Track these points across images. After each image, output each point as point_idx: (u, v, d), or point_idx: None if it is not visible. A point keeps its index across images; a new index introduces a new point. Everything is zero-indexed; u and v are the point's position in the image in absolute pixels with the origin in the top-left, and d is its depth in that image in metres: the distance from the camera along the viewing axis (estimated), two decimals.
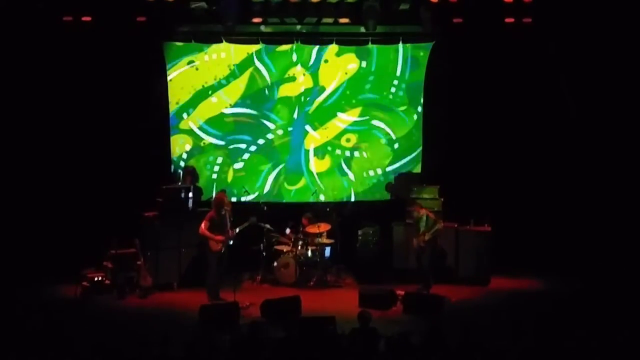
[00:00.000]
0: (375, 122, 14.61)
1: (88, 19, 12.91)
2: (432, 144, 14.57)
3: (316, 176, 14.64)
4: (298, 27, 13.95)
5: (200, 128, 14.38)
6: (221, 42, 14.10)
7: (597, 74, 13.72)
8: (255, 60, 14.33)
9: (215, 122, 14.42)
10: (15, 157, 13.66)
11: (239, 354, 7.90)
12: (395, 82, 14.54)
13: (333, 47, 14.29)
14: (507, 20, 13.28)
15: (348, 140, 14.64)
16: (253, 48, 14.25)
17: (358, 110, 14.58)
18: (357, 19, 13.55)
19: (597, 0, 13.08)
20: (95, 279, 12.48)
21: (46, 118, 13.75)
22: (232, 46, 14.18)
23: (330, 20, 13.83)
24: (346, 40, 14.29)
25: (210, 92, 14.35)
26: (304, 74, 14.41)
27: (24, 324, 10.57)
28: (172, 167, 14.36)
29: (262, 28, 14.02)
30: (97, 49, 13.51)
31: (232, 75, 14.35)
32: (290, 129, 14.55)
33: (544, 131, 14.24)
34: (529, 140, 14.26)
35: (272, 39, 14.26)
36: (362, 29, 13.83)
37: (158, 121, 14.21)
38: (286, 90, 14.46)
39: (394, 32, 14.17)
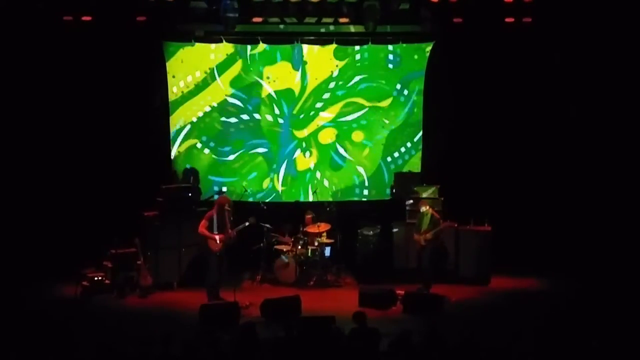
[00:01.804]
0: (356, 121, 14.66)
1: (88, 18, 12.91)
2: (432, 144, 14.56)
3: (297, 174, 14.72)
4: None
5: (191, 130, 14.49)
6: (221, 41, 14.10)
7: (597, 73, 13.72)
8: (235, 61, 14.33)
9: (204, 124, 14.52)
10: (16, 157, 13.67)
11: (239, 353, 7.91)
12: (378, 79, 14.54)
13: (310, 47, 14.27)
14: (507, 19, 13.28)
15: (334, 136, 14.66)
16: (231, 49, 14.23)
17: (339, 107, 14.58)
18: (357, 19, 13.54)
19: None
20: (95, 278, 12.47)
21: (47, 118, 13.76)
22: (210, 46, 14.17)
23: (330, 19, 13.84)
24: (346, 40, 14.29)
25: (188, 97, 14.37)
26: (283, 74, 14.42)
27: (24, 323, 10.59)
28: (172, 166, 14.36)
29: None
30: (97, 49, 13.51)
31: (210, 78, 14.36)
32: (276, 128, 14.57)
33: (543, 131, 14.24)
34: (529, 140, 14.26)
35: (272, 39, 14.25)
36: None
37: (158, 120, 14.20)
38: (268, 90, 14.45)
39: (394, 31, 14.17)
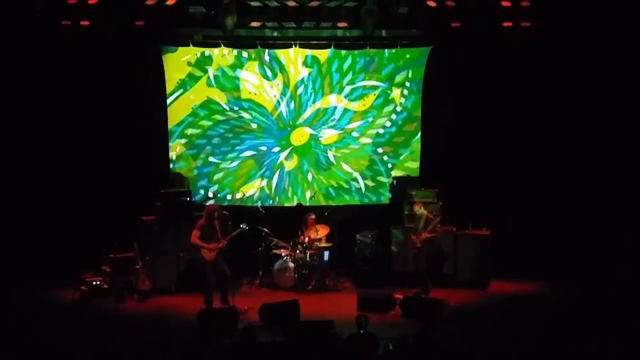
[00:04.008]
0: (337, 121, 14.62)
1: (86, 23, 12.90)
2: (430, 148, 14.56)
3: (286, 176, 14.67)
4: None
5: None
6: (219, 46, 14.11)
7: (596, 76, 13.74)
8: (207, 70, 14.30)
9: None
10: (15, 161, 13.65)
11: (238, 358, 7.90)
12: (358, 81, 14.45)
13: (285, 52, 14.25)
14: (505, 24, 13.29)
15: (316, 137, 14.62)
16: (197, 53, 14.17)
17: (318, 109, 14.52)
18: (356, 23, 13.55)
19: (595, 3, 13.08)
20: (94, 283, 12.48)
21: (45, 122, 13.74)
22: (195, 50, 14.14)
23: (328, 24, 13.85)
24: (344, 44, 14.30)
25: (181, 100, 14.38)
26: (258, 80, 14.38)
27: (22, 328, 10.58)
28: (171, 171, 14.34)
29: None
30: (95, 53, 13.51)
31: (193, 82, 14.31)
32: (260, 132, 14.52)
33: (542, 135, 14.26)
34: (527, 144, 14.27)
35: (271, 43, 14.27)
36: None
37: (156, 125, 14.19)
38: (246, 94, 14.39)
39: (392, 36, 14.18)
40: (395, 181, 14.51)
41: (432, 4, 13.08)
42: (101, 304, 12.16)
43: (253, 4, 13.30)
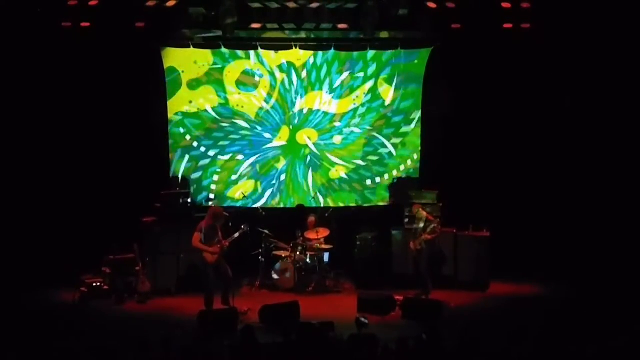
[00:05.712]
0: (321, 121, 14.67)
1: (87, 24, 12.91)
2: (431, 149, 14.56)
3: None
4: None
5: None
6: (220, 47, 14.12)
7: (596, 78, 13.75)
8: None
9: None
10: (15, 163, 13.66)
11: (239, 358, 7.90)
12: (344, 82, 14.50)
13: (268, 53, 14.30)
14: (506, 25, 13.29)
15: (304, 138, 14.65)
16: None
17: (305, 108, 14.56)
18: (356, 25, 13.56)
19: (596, 5, 13.10)
20: (94, 284, 12.47)
21: (45, 124, 13.75)
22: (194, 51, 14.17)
23: (328, 25, 13.86)
24: (344, 45, 14.31)
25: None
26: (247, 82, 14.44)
27: (22, 329, 10.58)
28: (171, 172, 14.34)
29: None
30: (95, 55, 13.51)
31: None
32: (250, 134, 14.53)
33: (542, 137, 14.26)
34: (527, 146, 14.28)
35: (271, 45, 14.27)
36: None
37: (157, 126, 14.20)
38: (233, 103, 14.41)
39: (392, 37, 14.18)
40: (395, 182, 14.52)
41: (433, 5, 13.09)
42: (101, 305, 12.16)
43: (253, 5, 13.31)
